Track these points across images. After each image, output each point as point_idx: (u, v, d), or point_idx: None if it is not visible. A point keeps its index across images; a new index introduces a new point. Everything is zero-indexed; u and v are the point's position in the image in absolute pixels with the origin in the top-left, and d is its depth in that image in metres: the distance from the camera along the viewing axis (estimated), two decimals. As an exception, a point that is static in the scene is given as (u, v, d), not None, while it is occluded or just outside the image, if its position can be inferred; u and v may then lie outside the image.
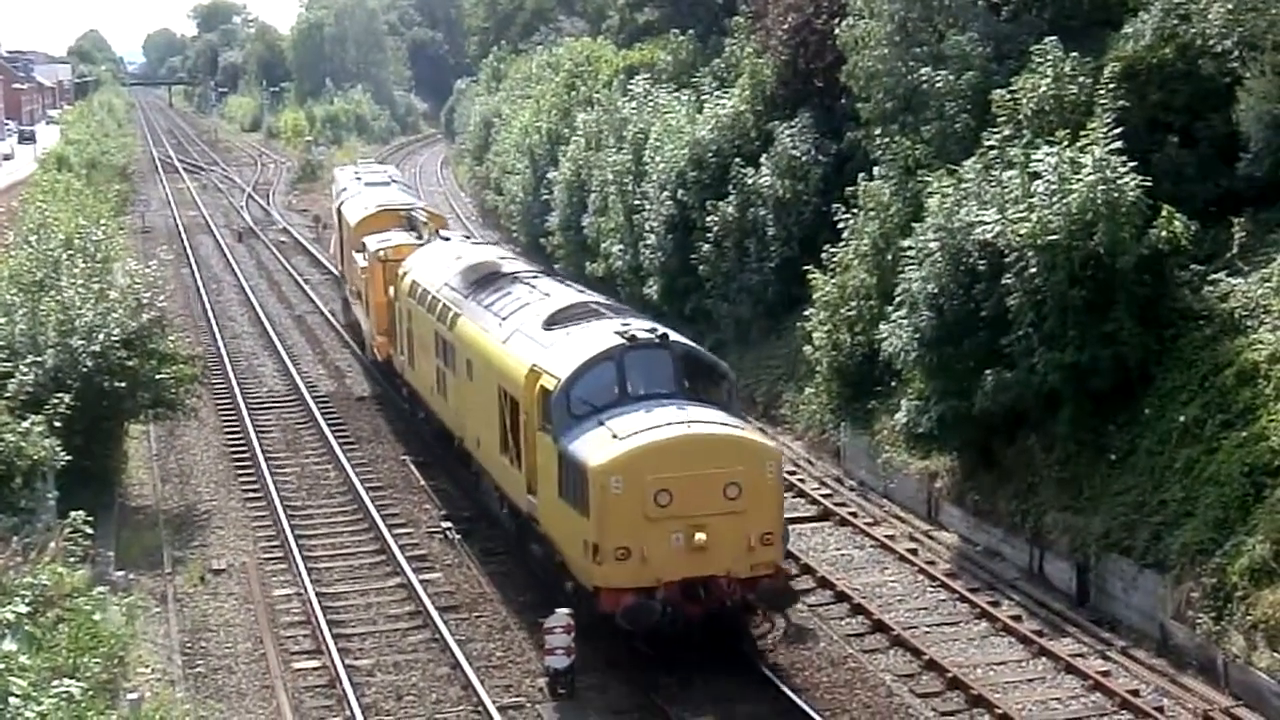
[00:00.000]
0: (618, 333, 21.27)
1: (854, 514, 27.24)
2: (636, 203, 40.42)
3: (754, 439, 20.60)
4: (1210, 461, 20.36)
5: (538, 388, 21.18)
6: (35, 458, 21.86)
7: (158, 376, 29.05)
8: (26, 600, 15.91)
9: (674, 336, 21.65)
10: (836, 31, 31.23)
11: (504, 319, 24.32)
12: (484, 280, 27.46)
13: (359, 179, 48.65)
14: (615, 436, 19.44)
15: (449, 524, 27.18)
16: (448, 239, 34.57)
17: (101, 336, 27.54)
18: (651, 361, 20.80)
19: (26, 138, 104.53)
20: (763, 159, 35.00)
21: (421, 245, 34.56)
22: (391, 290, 33.58)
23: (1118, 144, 22.20)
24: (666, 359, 20.87)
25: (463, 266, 29.09)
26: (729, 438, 19.74)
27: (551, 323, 22.81)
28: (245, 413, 35.65)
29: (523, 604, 23.12)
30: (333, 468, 31.40)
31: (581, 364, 20.65)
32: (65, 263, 31.78)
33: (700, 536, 18.97)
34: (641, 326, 21.70)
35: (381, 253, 35.45)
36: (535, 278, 27.40)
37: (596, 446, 19.47)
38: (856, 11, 30.40)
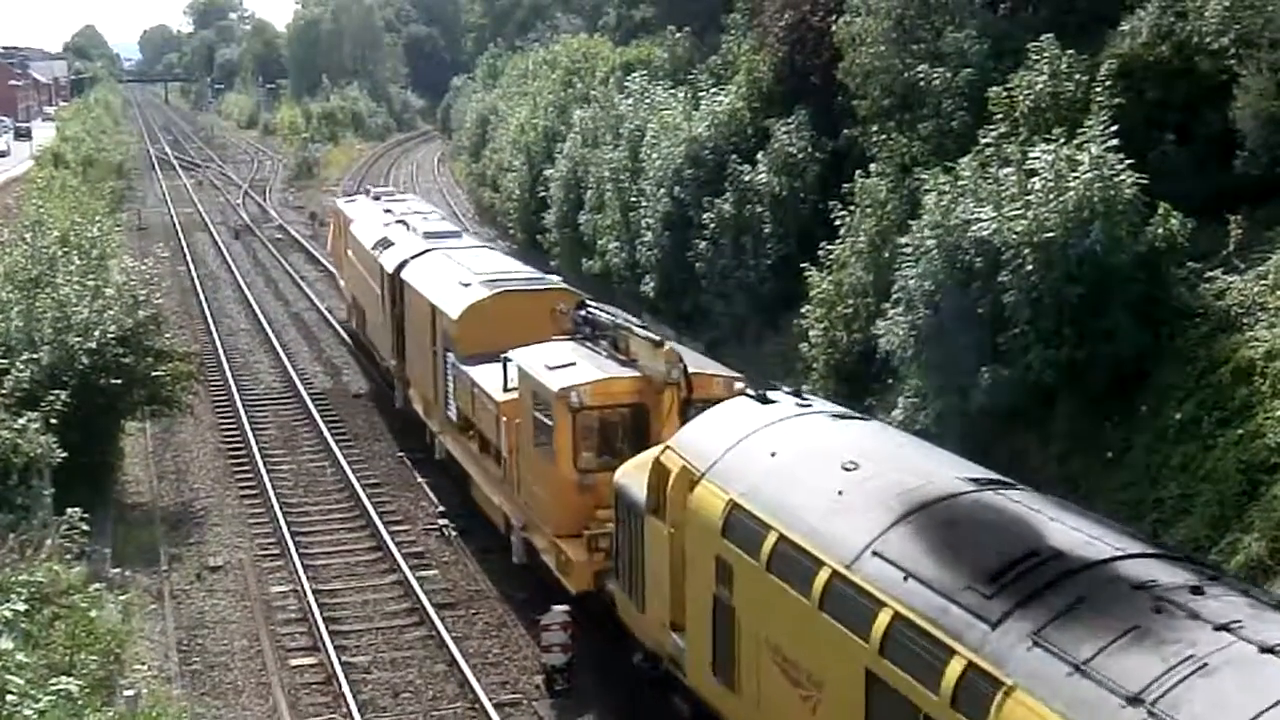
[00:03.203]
0: None
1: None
2: (633, 200, 40.41)
3: None
4: (1207, 459, 20.36)
5: None
6: (31, 455, 21.85)
7: (154, 374, 29.03)
8: (23, 598, 15.91)
9: None
10: (833, 28, 31.23)
11: None
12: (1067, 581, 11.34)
13: (403, 223, 35.71)
14: None
15: (446, 521, 27.20)
16: (807, 402, 17.18)
17: (98, 334, 27.52)
18: None
19: (22, 134, 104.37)
20: (759, 156, 34.98)
21: (719, 400, 18.47)
22: (656, 499, 16.94)
23: (1114, 141, 22.18)
24: None
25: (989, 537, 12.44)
26: None
27: None
28: (242, 410, 35.63)
29: (520, 601, 23.13)
30: (329, 464, 31.39)
31: None
32: (61, 260, 31.77)
33: None
34: None
35: (579, 399, 20.32)
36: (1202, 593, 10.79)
37: None
38: (853, 8, 30.39)
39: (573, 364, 21.16)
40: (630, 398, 20.38)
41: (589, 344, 22.30)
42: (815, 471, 14.60)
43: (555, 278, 28.95)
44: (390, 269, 31.94)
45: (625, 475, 18.38)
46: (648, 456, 17.92)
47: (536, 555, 22.04)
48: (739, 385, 19.84)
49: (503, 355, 22.95)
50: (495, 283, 27.00)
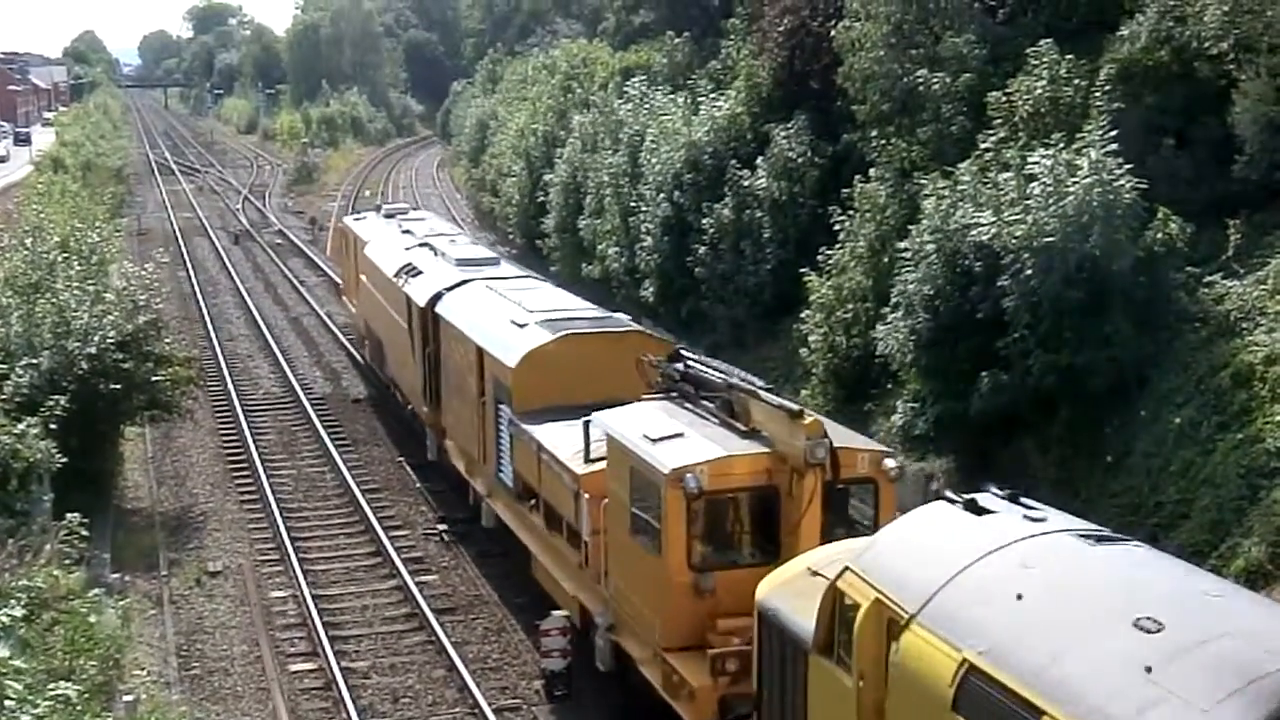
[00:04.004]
0: None
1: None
2: (633, 205, 40.42)
3: None
4: (1206, 463, 20.36)
5: None
6: (31, 460, 21.84)
7: (154, 379, 29.01)
8: (22, 603, 15.90)
9: None
10: (833, 33, 31.26)
11: None
12: None
13: (428, 247, 32.41)
14: None
15: (445, 526, 27.18)
16: (1037, 514, 12.76)
17: (97, 339, 27.50)
18: None
19: (22, 140, 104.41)
20: (759, 161, 35.01)
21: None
22: (830, 636, 13.14)
23: (1113, 146, 22.21)
24: None
25: None
26: None
27: None
28: (241, 415, 35.61)
29: (519, 606, 23.12)
30: (328, 470, 31.37)
31: None
32: (61, 265, 31.78)
33: None
34: None
35: (696, 483, 15.92)
36: None
37: None
38: (853, 13, 30.42)
39: (680, 434, 17.09)
40: (758, 480, 16.34)
41: (689, 406, 18.25)
42: (1092, 628, 10.65)
43: (624, 316, 25.24)
44: (421, 302, 28.32)
45: (774, 593, 14.39)
46: (800, 568, 14.61)
47: (629, 662, 17.95)
48: (890, 463, 16.63)
49: (584, 418, 19.30)
50: (557, 323, 23.22)
